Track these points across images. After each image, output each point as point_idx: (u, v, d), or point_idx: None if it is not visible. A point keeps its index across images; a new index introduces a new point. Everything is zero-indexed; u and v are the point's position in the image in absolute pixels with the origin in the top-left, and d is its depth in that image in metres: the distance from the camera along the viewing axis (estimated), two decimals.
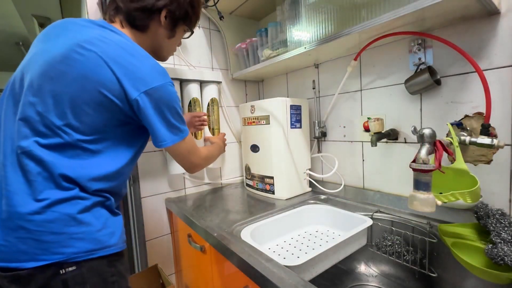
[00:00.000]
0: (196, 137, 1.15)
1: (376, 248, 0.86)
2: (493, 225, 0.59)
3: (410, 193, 0.57)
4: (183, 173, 1.21)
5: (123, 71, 0.55)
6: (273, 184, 1.07)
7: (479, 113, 0.69)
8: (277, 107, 1.03)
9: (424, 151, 0.58)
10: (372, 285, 0.85)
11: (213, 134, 1.21)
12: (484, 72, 0.66)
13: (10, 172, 0.52)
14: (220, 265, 0.80)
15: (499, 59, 0.66)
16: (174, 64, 1.18)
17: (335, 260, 0.70)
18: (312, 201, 1.02)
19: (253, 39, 1.18)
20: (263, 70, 1.20)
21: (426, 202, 0.55)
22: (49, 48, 0.57)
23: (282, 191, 1.06)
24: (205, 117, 1.08)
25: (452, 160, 0.67)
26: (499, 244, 0.55)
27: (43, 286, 0.49)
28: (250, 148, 1.16)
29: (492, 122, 0.66)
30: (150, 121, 0.59)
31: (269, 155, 1.07)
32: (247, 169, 1.21)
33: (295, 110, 1.06)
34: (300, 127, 1.09)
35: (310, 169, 1.14)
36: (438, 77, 0.76)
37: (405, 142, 0.87)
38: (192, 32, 0.80)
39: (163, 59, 0.78)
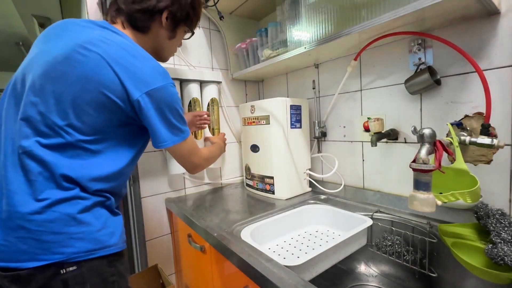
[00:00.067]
0: (196, 137, 1.15)
1: (376, 248, 0.86)
2: (493, 225, 0.59)
3: (410, 193, 0.57)
4: (183, 173, 1.21)
5: (125, 72, 0.55)
6: (273, 184, 1.07)
7: (479, 113, 0.69)
8: (277, 107, 1.03)
9: (424, 151, 0.58)
10: (372, 285, 0.85)
11: (213, 134, 1.21)
12: (484, 72, 0.66)
13: (11, 172, 0.52)
14: (220, 265, 0.80)
15: (499, 59, 0.66)
16: (174, 64, 1.18)
17: (335, 260, 0.70)
18: (312, 201, 1.02)
19: (253, 39, 1.18)
20: (263, 70, 1.20)
21: (426, 202, 0.55)
22: (50, 48, 0.57)
23: (282, 191, 1.06)
24: (207, 116, 1.08)
25: (452, 160, 0.67)
26: (499, 244, 0.55)
27: (43, 286, 0.49)
28: (250, 148, 1.16)
29: (492, 122, 0.66)
30: (151, 122, 0.60)
31: (269, 155, 1.07)
32: (247, 169, 1.21)
33: (295, 110, 1.06)
34: (300, 127, 1.09)
35: (310, 169, 1.14)
36: (438, 77, 0.76)
37: (405, 142, 0.87)
38: (193, 33, 0.80)
39: (164, 60, 0.78)
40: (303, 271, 0.61)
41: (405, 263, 0.78)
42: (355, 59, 0.93)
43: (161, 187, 1.16)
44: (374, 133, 0.85)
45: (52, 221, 0.50)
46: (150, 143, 0.71)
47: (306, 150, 1.12)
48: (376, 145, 0.83)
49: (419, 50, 0.80)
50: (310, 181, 1.14)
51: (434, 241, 0.71)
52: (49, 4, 1.99)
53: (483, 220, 0.62)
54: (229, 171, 1.37)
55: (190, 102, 1.14)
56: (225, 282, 0.79)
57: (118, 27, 0.66)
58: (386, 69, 0.90)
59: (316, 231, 0.90)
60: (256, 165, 1.15)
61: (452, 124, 0.70)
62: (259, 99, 1.32)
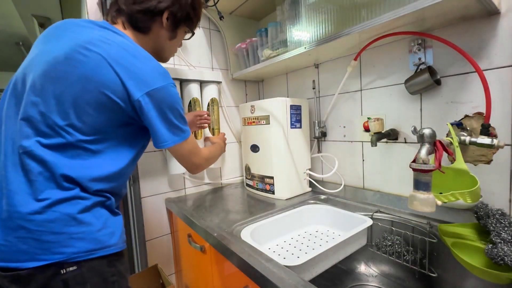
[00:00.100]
0: (196, 137, 1.15)
1: (376, 248, 0.86)
2: (493, 225, 0.59)
3: (410, 193, 0.57)
4: (183, 173, 1.21)
5: (126, 72, 0.55)
6: (273, 184, 1.07)
7: (479, 113, 0.69)
8: (277, 107, 1.03)
9: (424, 151, 0.58)
10: (372, 285, 0.85)
11: (213, 134, 1.21)
12: (484, 72, 0.66)
13: (11, 172, 0.52)
14: (220, 265, 0.80)
15: (499, 59, 0.66)
16: (174, 64, 1.18)
17: (335, 260, 0.70)
18: (312, 201, 1.02)
19: (253, 39, 1.18)
20: (263, 70, 1.20)
21: (426, 202, 0.55)
22: (51, 48, 0.57)
23: (282, 191, 1.06)
24: (207, 115, 1.08)
25: (452, 160, 0.67)
26: (499, 244, 0.55)
27: (43, 286, 0.49)
28: (250, 148, 1.16)
29: (492, 122, 0.66)
30: (152, 122, 0.60)
31: (269, 155, 1.07)
32: (247, 169, 1.21)
33: (295, 110, 1.06)
34: (300, 127, 1.09)
35: (310, 169, 1.14)
36: (438, 77, 0.76)
37: (405, 142, 0.87)
38: (193, 33, 0.80)
39: (165, 60, 0.78)
40: (303, 271, 0.61)
41: (405, 263, 0.78)
42: (355, 59, 0.93)
43: (161, 187, 1.16)
44: (374, 133, 0.85)
45: (52, 221, 0.50)
46: (150, 143, 0.72)
47: (306, 150, 1.12)
48: (376, 145, 0.83)
49: (419, 50, 0.80)
50: (310, 181, 1.14)
51: (434, 241, 0.71)
52: (49, 4, 1.99)
53: (483, 220, 0.62)
54: (229, 171, 1.37)
55: (190, 102, 1.14)
56: (225, 282, 0.79)
57: (119, 27, 0.66)
58: (386, 69, 0.90)
59: (316, 231, 0.90)
60: (256, 165, 1.15)
61: (452, 124, 0.70)
62: (259, 99, 1.32)
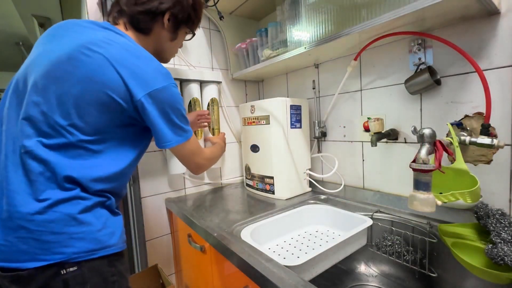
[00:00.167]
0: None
1: (376, 248, 0.86)
2: (493, 225, 0.59)
3: (410, 193, 0.57)
4: (183, 173, 1.21)
5: (129, 73, 0.56)
6: (273, 184, 1.07)
7: (479, 113, 0.69)
8: (277, 107, 1.03)
9: (424, 151, 0.58)
10: (372, 285, 0.85)
11: (213, 134, 1.21)
12: (484, 72, 0.66)
13: (12, 172, 0.52)
14: (220, 265, 0.80)
15: (499, 59, 0.66)
16: (174, 64, 1.18)
17: (335, 260, 0.70)
18: (312, 201, 1.02)
19: (253, 39, 1.18)
20: (263, 70, 1.20)
21: (426, 202, 0.55)
22: (53, 48, 0.57)
23: (282, 191, 1.06)
24: (207, 115, 1.09)
25: (452, 160, 0.67)
26: (499, 244, 0.55)
27: (43, 286, 0.49)
28: (250, 148, 1.16)
29: (492, 122, 0.66)
30: (154, 122, 0.60)
31: (269, 155, 1.07)
32: (247, 169, 1.21)
33: (295, 110, 1.06)
34: (300, 127, 1.09)
35: (310, 169, 1.14)
36: (438, 77, 0.76)
37: (405, 142, 0.87)
38: (194, 34, 0.80)
39: (165, 61, 0.78)
40: (303, 271, 0.61)
41: (405, 263, 0.78)
42: (355, 59, 0.93)
43: (161, 187, 1.16)
44: (374, 133, 0.85)
45: (52, 221, 0.50)
46: (150, 144, 0.72)
47: (306, 150, 1.12)
48: (376, 145, 0.83)
49: (419, 50, 0.80)
50: (310, 181, 1.14)
51: (434, 241, 0.71)
52: (49, 4, 1.99)
53: (483, 220, 0.62)
54: (229, 171, 1.37)
55: (190, 102, 1.14)
56: (225, 282, 0.79)
57: (121, 28, 0.67)
58: (386, 69, 0.90)
59: (316, 231, 0.90)
60: (256, 165, 1.15)
61: (452, 124, 0.70)
62: (259, 99, 1.32)
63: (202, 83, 1.19)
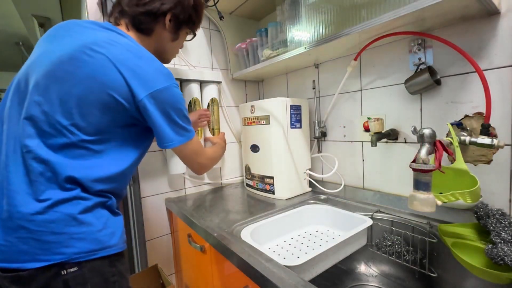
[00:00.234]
0: None
1: (376, 248, 0.86)
2: (493, 225, 0.59)
3: (410, 193, 0.57)
4: (183, 173, 1.21)
5: (131, 73, 0.56)
6: (273, 184, 1.07)
7: (479, 113, 0.69)
8: (277, 107, 1.03)
9: (424, 151, 0.58)
10: (372, 285, 0.85)
11: (213, 134, 1.21)
12: (484, 72, 0.66)
13: (12, 172, 0.52)
14: (220, 265, 0.80)
15: (499, 59, 0.66)
16: (174, 64, 1.18)
17: (335, 260, 0.70)
18: (312, 201, 1.02)
19: (253, 39, 1.18)
20: (263, 70, 1.20)
21: (426, 202, 0.55)
22: (54, 48, 0.57)
23: (282, 191, 1.06)
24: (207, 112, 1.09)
25: (452, 160, 0.67)
26: (499, 244, 0.55)
27: (44, 287, 0.49)
28: (250, 148, 1.16)
29: (492, 122, 0.66)
30: (156, 123, 0.60)
31: (269, 155, 1.07)
32: (247, 169, 1.21)
33: (295, 110, 1.06)
34: (300, 127, 1.09)
35: (310, 169, 1.14)
36: (438, 77, 0.76)
37: (405, 142, 0.87)
38: (195, 35, 0.80)
39: (167, 61, 0.79)
40: (303, 271, 0.61)
41: (405, 263, 0.78)
42: (355, 59, 0.93)
43: (161, 187, 1.16)
44: (374, 133, 0.85)
45: (53, 221, 0.50)
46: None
47: (306, 150, 1.12)
48: (376, 145, 0.83)
49: (419, 50, 0.80)
50: (310, 181, 1.14)
51: (434, 241, 0.71)
52: (49, 4, 1.99)
53: (483, 220, 0.62)
54: (229, 171, 1.37)
55: (190, 102, 1.14)
56: (225, 282, 0.79)
57: (122, 29, 0.67)
58: (386, 69, 0.90)
59: (316, 231, 0.90)
60: (256, 165, 1.15)
61: (452, 124, 0.70)
62: (259, 99, 1.32)
63: (202, 83, 1.19)
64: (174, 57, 0.82)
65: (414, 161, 0.57)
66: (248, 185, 1.23)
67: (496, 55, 0.66)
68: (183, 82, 1.14)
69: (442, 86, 0.76)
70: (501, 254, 0.53)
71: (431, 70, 0.75)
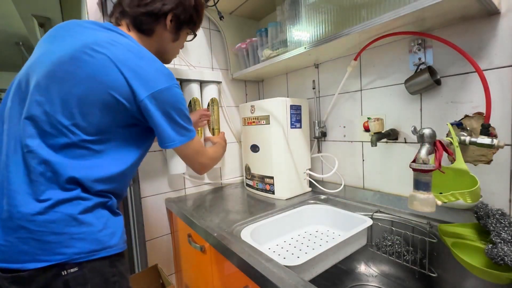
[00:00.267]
0: None
1: (376, 248, 0.86)
2: (493, 225, 0.59)
3: (410, 193, 0.57)
4: (183, 173, 1.21)
5: (132, 73, 0.56)
6: (273, 184, 1.07)
7: (479, 113, 0.69)
8: (277, 107, 1.03)
9: (424, 151, 0.58)
10: (372, 285, 0.85)
11: (213, 134, 1.21)
12: (484, 72, 0.66)
13: (13, 172, 0.52)
14: (220, 265, 0.80)
15: (499, 59, 0.66)
16: (174, 64, 1.18)
17: (335, 260, 0.70)
18: (312, 201, 1.02)
19: (253, 39, 1.18)
20: (263, 70, 1.20)
21: (426, 202, 0.55)
22: (55, 49, 0.57)
23: (282, 191, 1.06)
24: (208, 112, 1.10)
25: (452, 160, 0.67)
26: (499, 244, 0.55)
27: (44, 287, 0.49)
28: (250, 148, 1.16)
29: (492, 122, 0.66)
30: (157, 123, 0.60)
31: (269, 155, 1.07)
32: (247, 169, 1.21)
33: (295, 110, 1.06)
34: (300, 127, 1.09)
35: (310, 169, 1.14)
36: (438, 77, 0.76)
37: (405, 142, 0.87)
38: (195, 35, 0.80)
39: (167, 61, 0.79)
40: (303, 271, 0.61)
41: (405, 263, 0.78)
42: (355, 59, 0.93)
43: (161, 187, 1.16)
44: (374, 133, 0.85)
45: (53, 221, 0.50)
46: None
47: (306, 150, 1.12)
48: (376, 145, 0.83)
49: (419, 50, 0.80)
50: (310, 181, 1.14)
51: (434, 241, 0.71)
52: (49, 4, 1.99)
53: (483, 220, 0.62)
54: (229, 171, 1.37)
55: (190, 102, 1.14)
56: (225, 282, 0.79)
57: (123, 29, 0.67)
58: (386, 69, 0.90)
59: (316, 231, 0.90)
60: (256, 165, 1.15)
61: (452, 124, 0.70)
62: (259, 99, 1.32)
63: (202, 83, 1.19)
64: (174, 58, 0.82)
65: (414, 161, 0.57)
66: (248, 185, 1.23)
67: (496, 55, 0.66)
68: (183, 82, 1.14)
69: (442, 86, 0.76)
70: (501, 254, 0.53)
71: (431, 70, 0.75)
